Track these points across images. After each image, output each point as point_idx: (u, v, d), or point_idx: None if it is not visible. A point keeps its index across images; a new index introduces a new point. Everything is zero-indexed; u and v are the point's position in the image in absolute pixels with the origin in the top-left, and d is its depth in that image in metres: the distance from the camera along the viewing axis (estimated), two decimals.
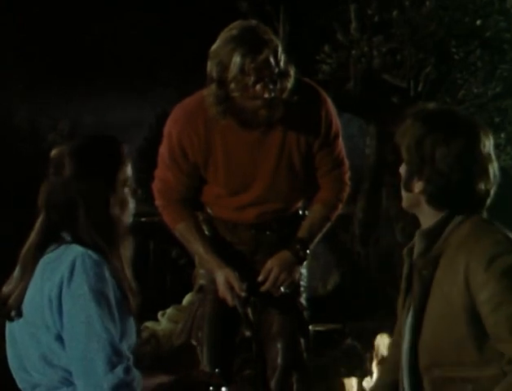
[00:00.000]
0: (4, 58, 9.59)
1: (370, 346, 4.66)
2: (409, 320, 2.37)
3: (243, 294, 3.06)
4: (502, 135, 6.94)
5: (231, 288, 3.07)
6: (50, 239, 2.29)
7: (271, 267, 3.11)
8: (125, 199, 2.32)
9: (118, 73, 10.52)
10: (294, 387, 3.21)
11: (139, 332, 5.67)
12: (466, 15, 6.54)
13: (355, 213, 7.42)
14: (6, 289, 2.33)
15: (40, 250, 2.29)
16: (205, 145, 3.09)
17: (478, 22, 6.49)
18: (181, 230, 3.19)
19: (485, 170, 2.32)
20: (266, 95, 2.92)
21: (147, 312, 5.75)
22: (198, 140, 3.08)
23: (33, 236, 2.32)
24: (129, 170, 2.34)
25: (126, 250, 2.32)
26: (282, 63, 2.94)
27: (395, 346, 2.56)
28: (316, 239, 3.21)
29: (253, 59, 2.88)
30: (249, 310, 3.13)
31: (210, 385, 2.37)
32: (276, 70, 2.92)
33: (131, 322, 2.28)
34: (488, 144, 2.34)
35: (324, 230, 3.23)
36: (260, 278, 3.10)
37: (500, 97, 6.73)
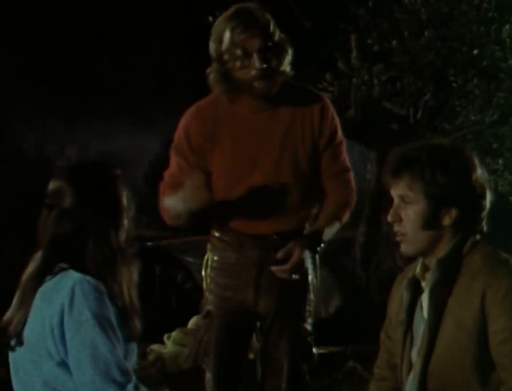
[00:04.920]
0: (13, 84, 9.63)
1: (371, 368, 4.70)
2: (417, 351, 2.39)
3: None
4: (500, 161, 6.97)
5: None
6: (49, 269, 2.30)
7: (293, 247, 3.09)
8: (123, 228, 2.34)
9: (125, 100, 10.56)
10: None
11: (145, 354, 5.73)
12: (464, 45, 6.60)
13: (356, 237, 7.44)
14: (5, 317, 2.34)
15: (39, 279, 2.30)
16: (212, 130, 3.17)
17: (475, 51, 6.55)
18: (168, 196, 3.16)
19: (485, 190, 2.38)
20: (258, 66, 3.05)
21: (154, 335, 5.80)
22: (205, 126, 3.17)
23: (32, 266, 2.34)
24: (126, 198, 2.36)
25: (132, 274, 2.33)
26: (276, 38, 3.09)
27: (378, 380, 2.58)
28: (326, 235, 3.18)
29: (242, 31, 3.05)
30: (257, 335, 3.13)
31: None
32: (269, 43, 3.06)
33: (132, 343, 2.32)
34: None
35: (335, 228, 3.21)
36: (279, 255, 3.07)
37: (497, 124, 6.75)
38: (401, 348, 2.44)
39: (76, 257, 2.29)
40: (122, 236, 2.35)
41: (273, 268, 3.10)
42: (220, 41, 3.09)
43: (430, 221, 2.34)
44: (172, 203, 3.16)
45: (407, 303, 2.43)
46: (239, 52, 3.06)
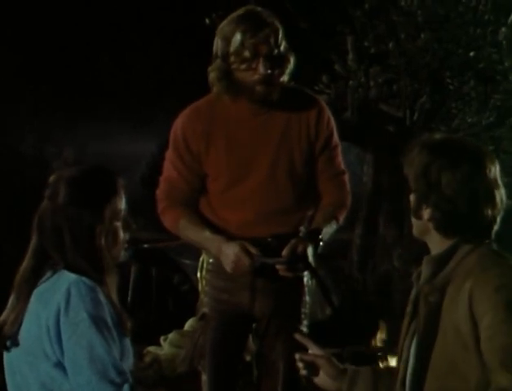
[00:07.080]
0: (12, 85, 9.63)
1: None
2: (414, 345, 2.40)
3: (259, 254, 3.08)
4: None
5: (247, 252, 3.09)
6: (42, 263, 2.32)
7: (296, 243, 3.10)
8: (114, 231, 2.35)
9: (125, 100, 10.56)
10: None
11: (142, 356, 5.75)
12: (460, 47, 6.58)
13: (352, 239, 7.44)
14: (1, 318, 2.36)
15: (33, 274, 2.32)
16: (207, 130, 3.19)
17: (472, 54, 6.53)
18: (184, 223, 3.22)
19: (491, 196, 2.33)
20: (262, 71, 3.08)
21: (150, 337, 5.80)
22: (201, 126, 3.19)
23: (26, 260, 2.35)
24: (122, 203, 2.38)
25: (112, 281, 2.35)
26: (282, 47, 3.13)
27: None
28: (324, 234, 3.20)
29: (253, 35, 3.08)
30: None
31: None
32: (276, 51, 3.10)
33: (128, 343, 2.34)
34: (494, 170, 2.35)
35: (332, 227, 3.24)
36: (285, 252, 3.08)
37: (493, 126, 6.72)
38: (403, 337, 2.46)
39: (63, 253, 2.30)
40: (114, 242, 2.36)
41: (278, 267, 3.10)
42: (228, 41, 3.10)
43: (415, 212, 2.39)
44: (193, 238, 3.20)
45: (413, 294, 2.45)
46: (247, 55, 3.08)
